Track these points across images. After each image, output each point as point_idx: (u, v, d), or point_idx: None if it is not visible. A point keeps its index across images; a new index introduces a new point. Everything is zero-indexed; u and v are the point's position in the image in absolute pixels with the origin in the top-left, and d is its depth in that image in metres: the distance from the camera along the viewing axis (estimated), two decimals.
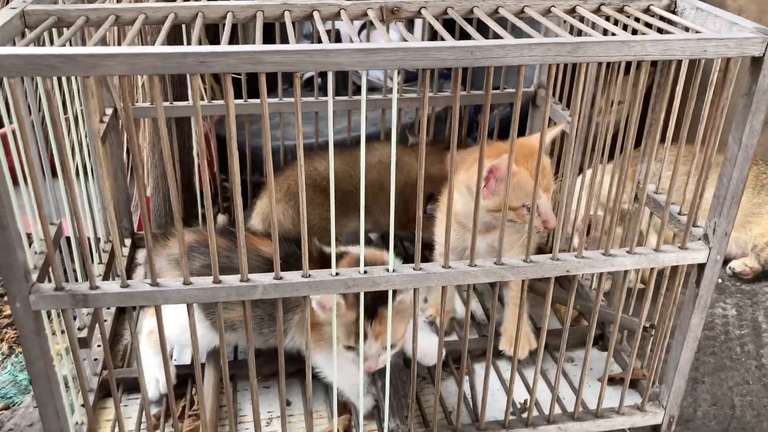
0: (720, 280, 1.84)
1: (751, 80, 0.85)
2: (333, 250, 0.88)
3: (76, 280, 1.05)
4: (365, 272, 0.90)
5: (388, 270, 0.91)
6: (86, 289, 0.85)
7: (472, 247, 0.91)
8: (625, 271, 1.03)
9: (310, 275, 0.89)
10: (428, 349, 1.18)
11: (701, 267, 0.98)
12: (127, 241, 1.55)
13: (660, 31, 0.90)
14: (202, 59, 0.73)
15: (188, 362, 1.25)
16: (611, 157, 1.17)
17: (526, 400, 1.18)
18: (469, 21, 0.94)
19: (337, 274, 0.89)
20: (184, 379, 1.19)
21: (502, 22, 0.97)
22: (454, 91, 0.80)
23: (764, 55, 0.82)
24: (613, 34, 0.83)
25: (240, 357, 1.29)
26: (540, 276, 0.93)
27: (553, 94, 1.50)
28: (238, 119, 1.51)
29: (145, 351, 1.19)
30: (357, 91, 1.67)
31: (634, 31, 0.91)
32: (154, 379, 1.15)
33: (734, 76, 0.88)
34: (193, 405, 1.15)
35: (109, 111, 1.39)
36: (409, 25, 2.34)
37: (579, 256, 0.94)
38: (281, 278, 0.88)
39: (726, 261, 1.86)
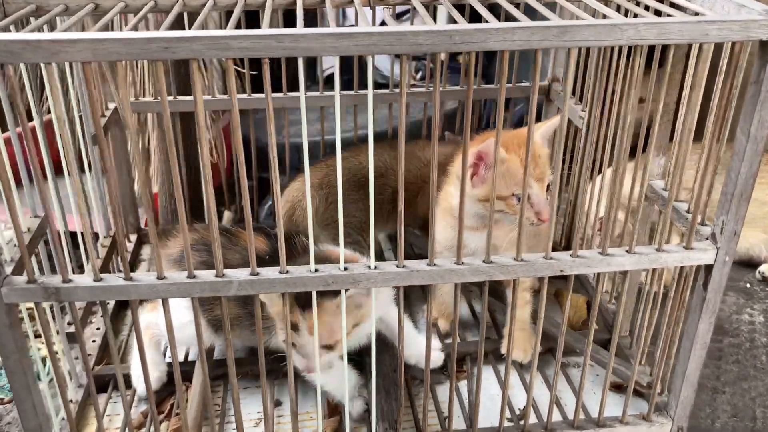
0: (748, 285, 1.75)
1: (760, 66, 0.79)
2: (311, 246, 0.84)
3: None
4: (345, 269, 0.86)
5: (369, 267, 0.87)
6: (58, 282, 0.83)
7: (459, 244, 0.86)
8: (625, 272, 0.97)
9: (287, 271, 0.85)
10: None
11: (709, 269, 0.92)
12: (133, 237, 1.55)
13: (658, 13, 0.84)
14: (167, 45, 0.70)
15: (180, 359, 1.23)
16: (633, 155, 1.11)
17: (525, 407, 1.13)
18: (460, 8, 0.90)
19: (316, 270, 0.86)
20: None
21: (495, 9, 0.93)
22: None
23: None
24: (604, 17, 0.77)
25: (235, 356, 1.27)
26: (532, 275, 0.88)
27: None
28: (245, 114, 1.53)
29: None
30: (378, 86, 1.64)
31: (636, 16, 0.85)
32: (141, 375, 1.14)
33: (743, 63, 0.82)
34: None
35: (112, 105, 1.38)
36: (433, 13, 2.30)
37: (574, 255, 0.88)
38: (257, 274, 0.85)
39: (755, 265, 1.77)
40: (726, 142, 0.87)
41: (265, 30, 0.72)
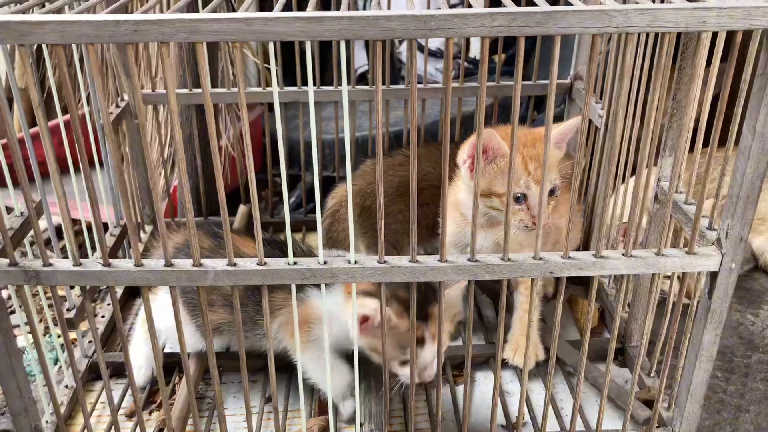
0: None
1: (765, 57, 0.73)
2: (289, 235, 0.82)
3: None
4: (324, 263, 0.84)
5: (349, 261, 0.84)
6: (39, 266, 0.83)
7: (442, 242, 0.83)
8: (625, 276, 0.91)
9: (265, 263, 0.84)
10: None
11: (714, 276, 0.86)
12: (149, 228, 1.56)
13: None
14: (136, 27, 0.70)
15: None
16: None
17: (523, 415, 1.08)
18: None
19: (294, 263, 0.84)
20: (170, 368, 1.17)
21: None
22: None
23: None
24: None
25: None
26: (520, 276, 0.84)
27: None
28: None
29: (137, 338, 1.18)
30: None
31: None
32: (140, 366, 1.14)
33: (752, 54, 0.76)
34: (174, 394, 1.12)
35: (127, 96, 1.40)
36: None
37: (565, 256, 0.84)
38: (235, 264, 0.83)
39: None
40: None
41: (235, 14, 0.70)
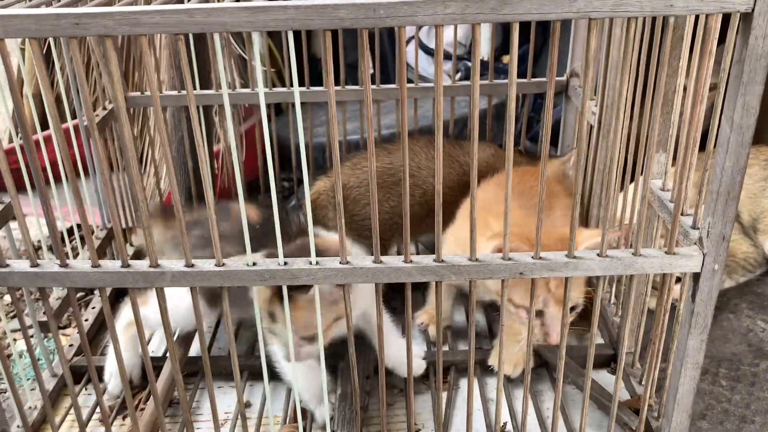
0: None
1: (741, 43, 0.68)
2: (277, 227, 0.78)
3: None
4: (285, 264, 0.81)
5: (310, 263, 0.81)
6: None
7: (405, 242, 0.79)
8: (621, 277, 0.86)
9: (224, 264, 0.81)
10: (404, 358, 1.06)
11: (696, 277, 0.81)
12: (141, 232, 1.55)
13: None
14: (77, 20, 0.68)
15: (158, 354, 1.22)
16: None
17: (505, 423, 1.03)
18: None
19: (254, 264, 0.81)
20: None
21: None
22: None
23: (753, 10, 0.65)
24: None
25: (214, 353, 1.24)
26: (488, 277, 0.80)
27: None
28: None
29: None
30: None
31: None
32: (115, 372, 1.12)
33: (730, 40, 0.71)
34: (149, 399, 1.10)
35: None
36: None
37: (536, 256, 0.79)
38: (192, 266, 0.81)
39: None
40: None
41: (178, 5, 0.68)
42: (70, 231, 1.56)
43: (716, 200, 0.75)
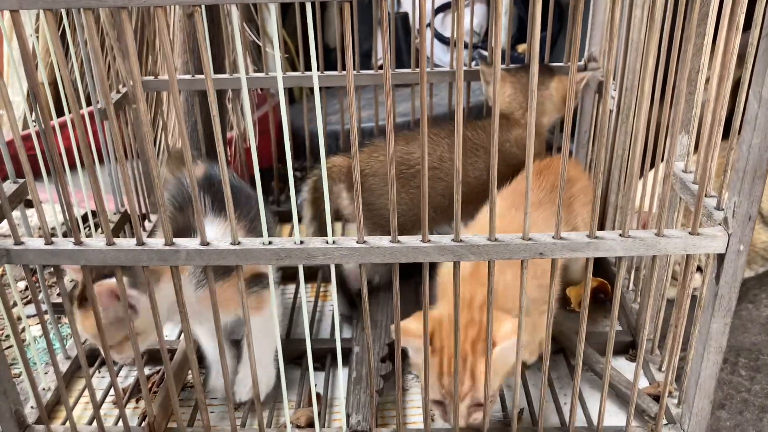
0: None
1: None
2: (294, 214, 0.77)
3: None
4: (301, 242, 0.80)
5: (327, 242, 0.80)
6: (10, 244, 0.82)
7: (423, 219, 0.78)
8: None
9: (239, 242, 0.80)
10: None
11: (721, 259, 0.79)
12: (154, 217, 1.54)
13: None
14: None
15: (172, 338, 1.21)
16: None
17: (522, 410, 1.02)
18: None
19: (269, 243, 0.80)
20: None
21: None
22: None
23: None
24: None
25: None
26: (508, 257, 0.79)
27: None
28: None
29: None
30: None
31: None
32: None
33: (759, 13, 0.69)
34: (162, 382, 1.09)
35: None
36: None
37: (557, 237, 0.78)
38: (208, 244, 0.80)
39: None
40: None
41: None
42: (84, 218, 1.56)
43: (743, 179, 0.73)
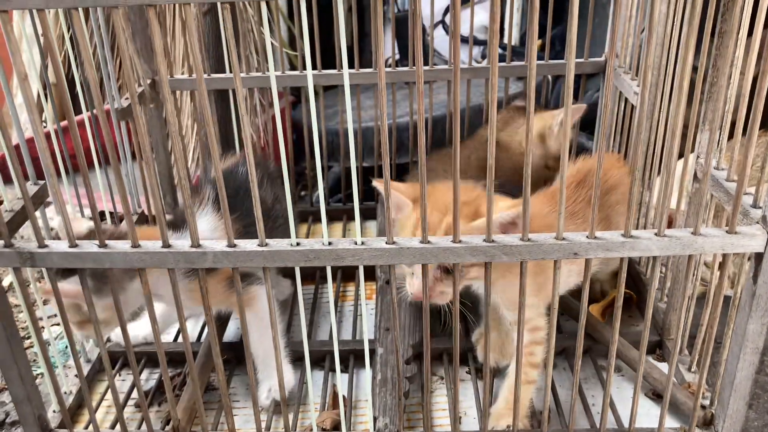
0: None
1: None
2: (323, 214, 0.77)
3: None
4: (329, 243, 0.79)
5: (355, 243, 0.78)
6: (34, 247, 0.80)
7: (455, 219, 0.76)
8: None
9: (266, 244, 0.79)
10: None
11: (759, 258, 0.77)
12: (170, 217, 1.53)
13: None
14: None
15: (192, 339, 1.20)
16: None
17: (549, 409, 1.01)
18: None
19: (297, 244, 0.79)
20: (179, 357, 1.14)
21: None
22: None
23: None
24: None
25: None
26: (541, 258, 0.77)
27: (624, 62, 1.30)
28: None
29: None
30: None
31: None
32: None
33: None
34: (185, 384, 1.08)
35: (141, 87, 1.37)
36: None
37: (591, 236, 0.76)
38: (235, 246, 0.79)
39: None
40: None
41: None
42: (101, 216, 1.55)
43: None
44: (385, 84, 0.68)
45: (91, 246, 0.80)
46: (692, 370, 1.04)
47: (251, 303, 1.02)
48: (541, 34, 2.11)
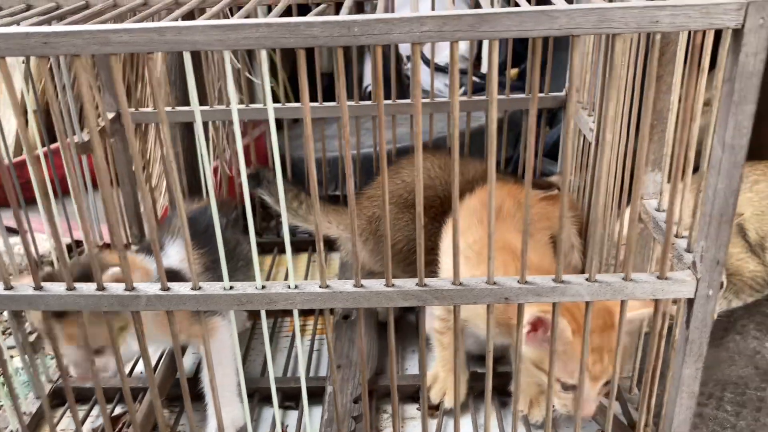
0: None
1: (732, 60, 0.65)
2: (255, 258, 0.77)
3: None
4: (263, 287, 0.79)
5: (289, 287, 0.79)
6: None
7: (387, 265, 0.76)
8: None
9: (199, 287, 0.79)
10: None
11: (690, 303, 0.77)
12: (135, 249, 1.53)
13: None
14: (45, 40, 0.66)
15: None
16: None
17: None
18: None
19: (231, 288, 0.79)
20: (136, 393, 1.13)
21: None
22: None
23: (743, 26, 0.62)
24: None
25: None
26: (472, 302, 0.77)
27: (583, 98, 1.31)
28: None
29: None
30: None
31: None
32: None
33: (722, 57, 0.68)
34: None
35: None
36: None
37: (522, 281, 0.76)
38: (168, 289, 0.79)
39: None
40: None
41: (151, 23, 0.66)
42: (69, 248, 1.55)
43: (709, 223, 0.72)
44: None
45: (26, 289, 0.80)
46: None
47: (212, 334, 1.02)
48: (521, 61, 2.13)
